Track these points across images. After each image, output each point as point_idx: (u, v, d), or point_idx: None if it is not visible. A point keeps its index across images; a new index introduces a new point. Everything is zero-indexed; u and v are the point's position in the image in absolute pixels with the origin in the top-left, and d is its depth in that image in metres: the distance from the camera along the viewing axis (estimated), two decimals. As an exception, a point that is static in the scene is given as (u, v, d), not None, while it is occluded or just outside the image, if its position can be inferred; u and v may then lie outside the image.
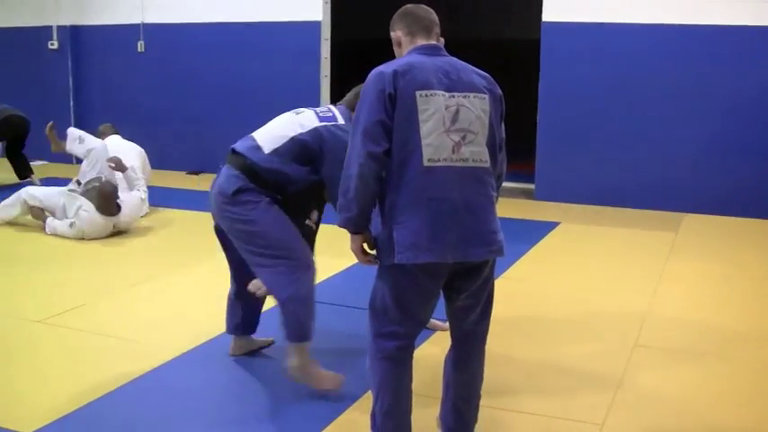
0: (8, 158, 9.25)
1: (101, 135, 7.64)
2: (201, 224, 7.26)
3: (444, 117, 2.87)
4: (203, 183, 9.39)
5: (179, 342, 4.35)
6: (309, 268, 3.76)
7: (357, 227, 2.93)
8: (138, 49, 10.44)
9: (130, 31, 10.43)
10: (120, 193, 6.86)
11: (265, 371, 4.05)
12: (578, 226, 7.47)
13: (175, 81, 10.30)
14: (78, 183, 6.92)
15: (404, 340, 2.99)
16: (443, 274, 2.93)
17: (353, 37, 12.32)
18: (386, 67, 2.91)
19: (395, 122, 2.85)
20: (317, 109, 3.95)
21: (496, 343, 4.42)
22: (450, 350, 3.19)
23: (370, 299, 3.03)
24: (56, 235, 6.70)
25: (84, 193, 6.74)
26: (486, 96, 2.97)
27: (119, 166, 6.99)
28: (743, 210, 7.88)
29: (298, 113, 3.93)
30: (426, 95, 2.87)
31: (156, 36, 10.37)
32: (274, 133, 3.86)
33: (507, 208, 7.67)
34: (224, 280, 5.55)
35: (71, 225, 6.64)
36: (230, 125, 10.06)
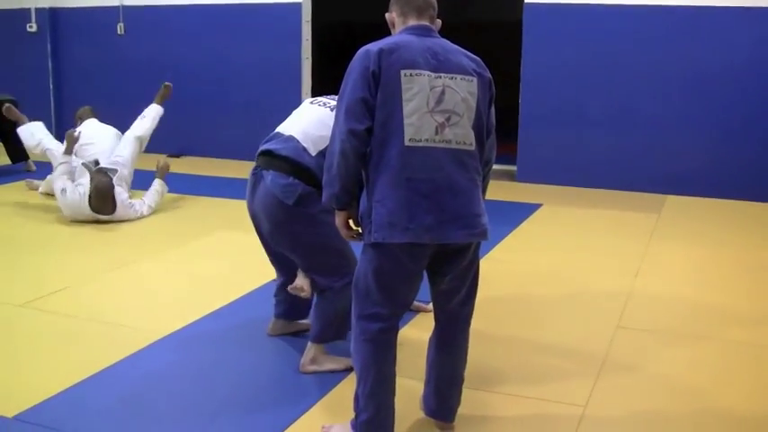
0: (2, 142, 9.05)
1: (78, 119, 7.58)
2: (184, 207, 7.29)
3: (429, 97, 2.86)
4: (184, 165, 9.37)
5: (162, 325, 4.34)
6: None
7: (340, 203, 2.95)
8: (118, 32, 10.36)
9: (110, 14, 10.34)
10: (126, 194, 6.85)
11: (250, 352, 4.05)
12: (561, 207, 7.49)
13: (155, 63, 10.22)
14: (96, 162, 6.84)
15: (387, 322, 2.98)
16: (426, 256, 2.93)
17: (335, 19, 12.26)
18: (372, 46, 2.91)
19: (378, 101, 2.84)
20: None
21: (478, 324, 4.43)
22: (433, 332, 3.19)
23: (354, 279, 3.02)
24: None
25: (90, 170, 6.72)
26: (475, 79, 2.96)
27: (162, 170, 7.18)
28: (725, 191, 7.91)
29: (332, 109, 3.62)
30: (411, 75, 2.85)
31: (135, 18, 10.29)
32: (313, 133, 3.65)
33: (489, 189, 7.67)
34: (207, 262, 5.57)
35: (62, 191, 6.64)
36: (211, 107, 10.07)
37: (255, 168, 3.75)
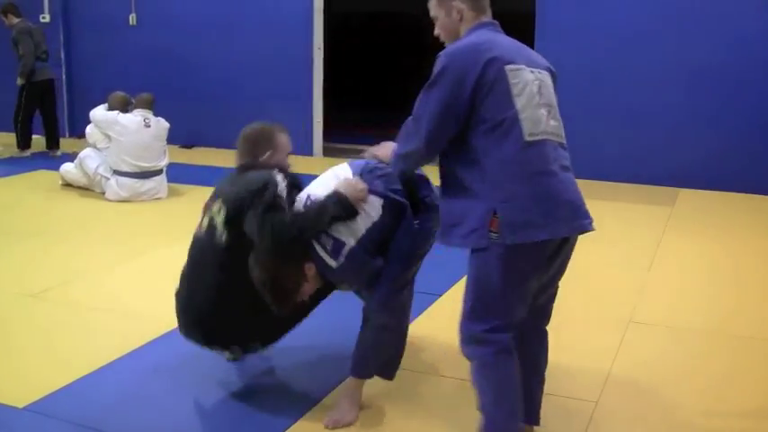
0: (43, 123, 9.52)
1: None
2: (195, 198, 7.26)
3: (533, 90, 2.79)
4: (197, 156, 9.39)
5: (172, 316, 4.33)
6: None
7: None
8: (130, 23, 10.37)
9: (122, 4, 10.36)
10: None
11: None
12: (573, 201, 7.44)
13: (167, 54, 10.23)
14: None
15: (515, 329, 2.84)
16: (550, 250, 2.82)
17: (347, 9, 12.24)
18: (464, 46, 2.81)
19: (486, 100, 2.72)
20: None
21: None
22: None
23: (470, 301, 2.82)
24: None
25: None
26: (549, 75, 2.95)
27: None
28: (739, 185, 7.86)
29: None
30: (514, 69, 2.77)
31: (147, 9, 10.30)
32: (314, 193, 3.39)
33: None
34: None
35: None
36: (223, 97, 10.06)
37: None
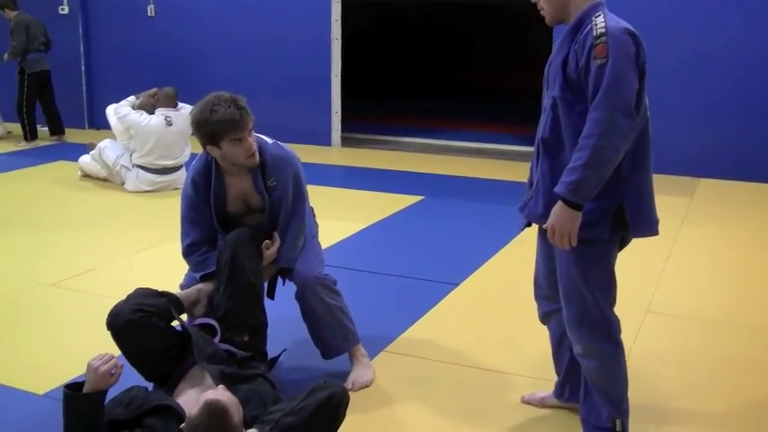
0: (44, 112, 9.74)
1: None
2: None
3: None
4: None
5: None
6: None
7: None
8: (149, 14, 10.40)
9: (141, -5, 10.43)
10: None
11: (276, 335, 4.05)
12: (591, 191, 7.41)
13: (186, 45, 10.27)
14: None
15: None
16: None
17: None
18: (620, 24, 2.70)
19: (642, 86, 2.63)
20: None
21: (506, 307, 4.42)
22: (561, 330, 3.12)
23: (590, 306, 2.89)
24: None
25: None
26: None
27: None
28: (760, 175, 7.80)
29: None
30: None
31: (165, 0, 10.34)
32: None
33: (517, 171, 7.61)
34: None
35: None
36: (240, 88, 9.97)
37: None
